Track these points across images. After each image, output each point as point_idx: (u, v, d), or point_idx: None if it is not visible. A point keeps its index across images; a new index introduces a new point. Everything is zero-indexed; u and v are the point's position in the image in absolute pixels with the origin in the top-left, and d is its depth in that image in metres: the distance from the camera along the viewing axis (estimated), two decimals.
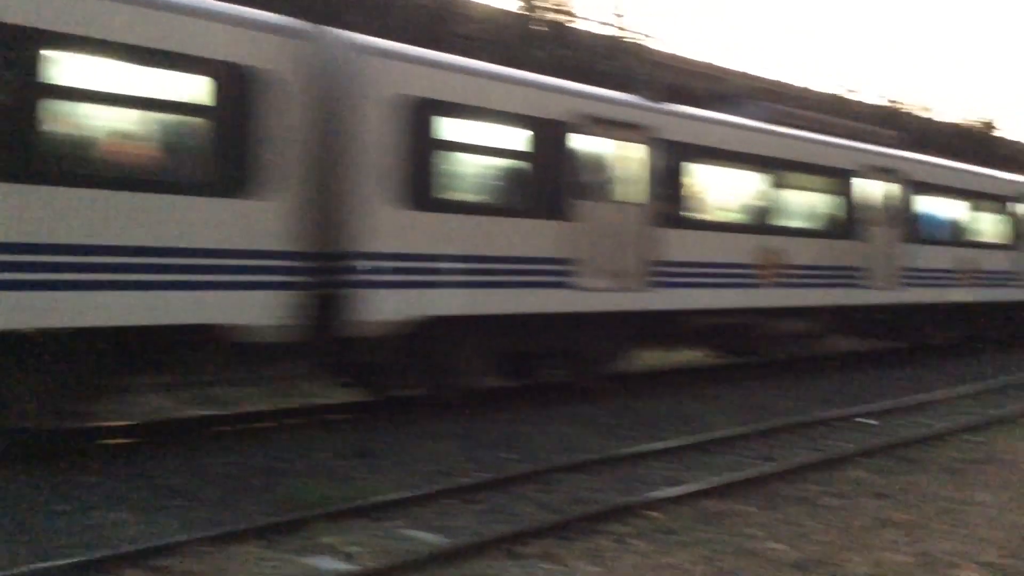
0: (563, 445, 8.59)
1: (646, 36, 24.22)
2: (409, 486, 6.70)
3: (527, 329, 10.29)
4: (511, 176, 10.30)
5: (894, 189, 15.95)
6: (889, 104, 32.94)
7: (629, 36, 23.54)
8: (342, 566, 5.00)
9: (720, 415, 10.42)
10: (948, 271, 17.23)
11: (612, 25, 23.04)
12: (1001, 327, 19.84)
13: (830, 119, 15.97)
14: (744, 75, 28.23)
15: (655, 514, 6.09)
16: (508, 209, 10.11)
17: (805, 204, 14.51)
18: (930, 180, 17.20)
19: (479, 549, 5.25)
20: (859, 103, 31.88)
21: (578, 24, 21.96)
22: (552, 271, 10.33)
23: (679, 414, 10.52)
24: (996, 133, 36.81)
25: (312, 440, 8.37)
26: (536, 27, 19.87)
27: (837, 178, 14.82)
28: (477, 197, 9.95)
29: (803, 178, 14.34)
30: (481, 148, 10.01)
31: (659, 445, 8.37)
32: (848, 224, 14.96)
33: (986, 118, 36.70)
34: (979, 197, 18.85)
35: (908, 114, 33.10)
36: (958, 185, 18.24)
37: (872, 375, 14.52)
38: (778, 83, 29.65)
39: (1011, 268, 19.24)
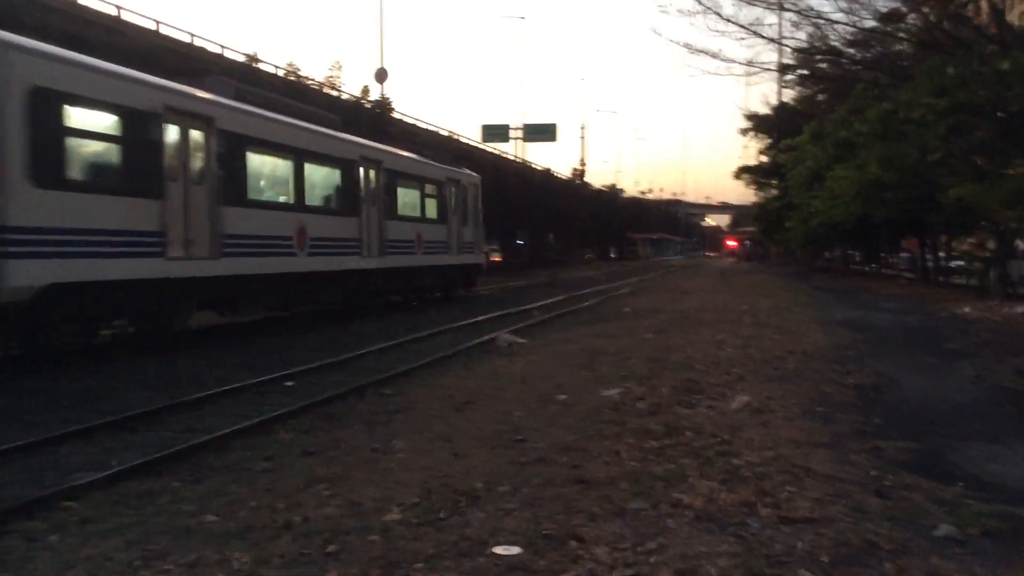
0: None
1: None
2: None
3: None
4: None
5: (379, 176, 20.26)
6: (296, 78, 34.04)
7: None
8: None
9: (140, 389, 9.82)
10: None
11: None
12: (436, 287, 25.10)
13: (286, 100, 18.72)
14: (156, 34, 26.71)
15: (72, 504, 5.47)
16: None
17: (327, 187, 18.34)
18: (404, 170, 21.96)
19: None
20: (269, 74, 32.47)
21: None
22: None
23: (90, 392, 9.67)
24: (393, 114, 40.52)
25: None
26: None
27: (346, 167, 18.79)
28: None
29: (325, 167, 18.21)
30: None
31: (71, 428, 7.58)
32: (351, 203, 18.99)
33: (382, 98, 40.22)
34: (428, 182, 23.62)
35: (314, 89, 34.64)
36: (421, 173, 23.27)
37: (289, 339, 14.99)
38: (193, 46, 28.65)
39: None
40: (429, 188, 23.62)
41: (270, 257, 15.62)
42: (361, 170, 19.50)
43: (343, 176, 18.75)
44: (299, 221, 16.61)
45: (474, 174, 28.75)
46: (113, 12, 25.23)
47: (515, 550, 4.33)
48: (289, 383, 10.40)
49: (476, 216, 27.73)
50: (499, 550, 4.34)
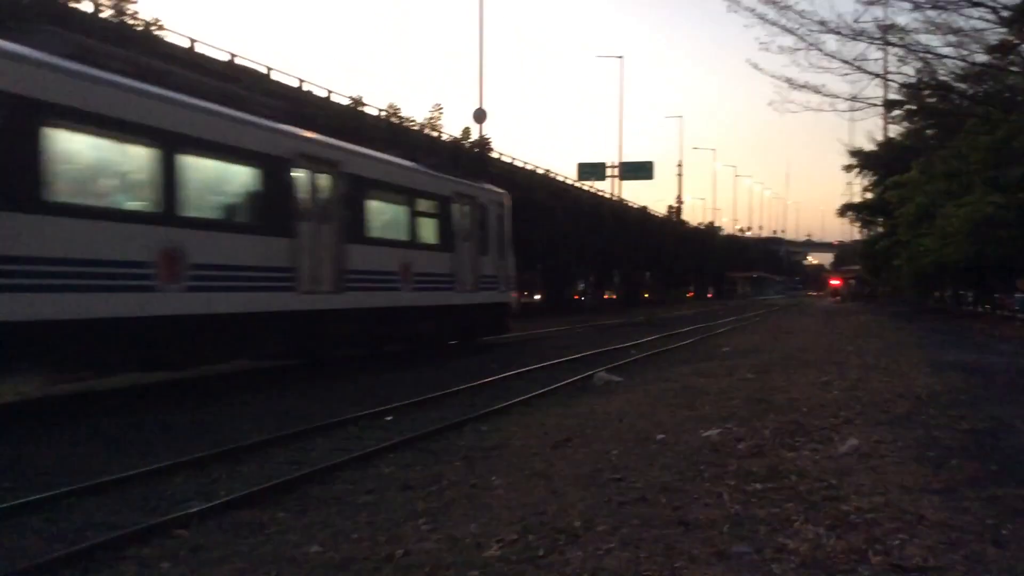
0: (73, 466, 7.67)
1: (159, 24, 23.06)
2: None
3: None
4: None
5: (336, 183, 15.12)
6: (398, 120, 34.89)
7: (139, 23, 22.24)
8: None
9: (248, 422, 10.13)
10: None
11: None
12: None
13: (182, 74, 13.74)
14: (267, 78, 27.87)
15: (183, 532, 5.68)
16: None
17: (229, 192, 13.44)
18: (379, 178, 16.60)
19: None
20: (373, 116, 33.39)
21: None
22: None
23: (202, 424, 10.03)
24: (491, 154, 41.11)
25: None
26: None
27: (269, 166, 13.54)
28: None
29: (223, 163, 13.00)
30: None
31: (183, 458, 7.87)
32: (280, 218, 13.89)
33: (481, 138, 40.86)
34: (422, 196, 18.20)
35: (413, 131, 35.46)
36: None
37: (383, 376, 15.21)
38: (301, 91, 29.79)
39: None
40: (424, 204, 18.28)
41: (105, 291, 10.39)
42: (300, 173, 14.17)
43: (265, 179, 13.40)
44: (166, 240, 11.30)
45: (499, 190, 22.76)
46: (225, 59, 26.54)
47: None
48: (388, 417, 10.58)
49: (501, 243, 21.98)
50: None
